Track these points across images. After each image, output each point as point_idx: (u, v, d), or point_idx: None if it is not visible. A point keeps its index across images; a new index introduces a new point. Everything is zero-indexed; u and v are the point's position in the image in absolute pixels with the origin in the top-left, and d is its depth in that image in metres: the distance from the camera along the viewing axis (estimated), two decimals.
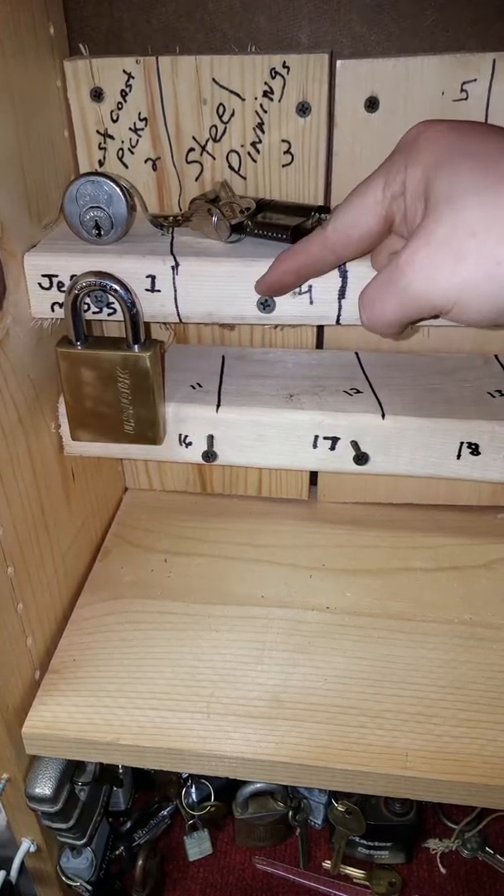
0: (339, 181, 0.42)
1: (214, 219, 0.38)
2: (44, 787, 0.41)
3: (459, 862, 0.55)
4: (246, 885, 0.55)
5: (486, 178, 0.25)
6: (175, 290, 0.38)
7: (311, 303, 0.37)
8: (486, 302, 0.25)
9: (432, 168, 0.27)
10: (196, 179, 0.43)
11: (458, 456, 0.40)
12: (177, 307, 0.38)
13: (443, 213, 0.25)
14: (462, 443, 0.40)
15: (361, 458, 0.41)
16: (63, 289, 0.38)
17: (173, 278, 0.37)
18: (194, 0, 0.41)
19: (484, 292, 0.25)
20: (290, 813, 0.53)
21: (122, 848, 0.53)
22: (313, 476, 0.55)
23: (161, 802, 0.57)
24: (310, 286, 0.37)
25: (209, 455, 0.42)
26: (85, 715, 0.40)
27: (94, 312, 0.39)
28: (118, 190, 0.38)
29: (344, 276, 0.36)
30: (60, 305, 0.38)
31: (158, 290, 0.38)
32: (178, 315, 0.38)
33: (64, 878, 0.48)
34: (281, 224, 0.37)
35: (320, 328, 0.48)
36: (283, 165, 0.42)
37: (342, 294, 0.37)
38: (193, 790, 0.54)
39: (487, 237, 0.24)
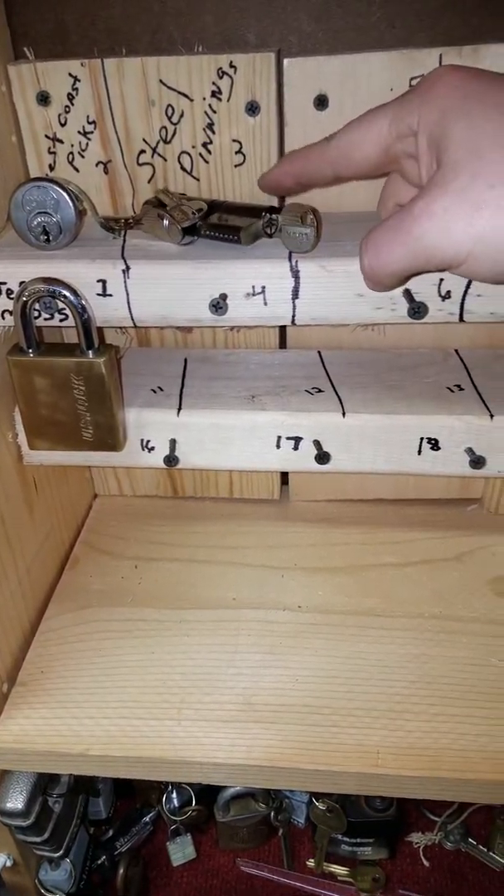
0: None
1: (165, 222, 0.38)
2: (15, 802, 0.40)
3: (442, 854, 0.56)
4: (230, 888, 0.54)
5: None
6: (127, 294, 0.37)
7: (266, 304, 0.37)
8: (499, 256, 0.25)
9: (451, 114, 0.26)
10: (149, 181, 0.43)
11: (419, 451, 0.40)
12: (130, 311, 0.38)
13: (462, 161, 0.25)
14: (422, 438, 0.40)
15: (323, 457, 0.41)
16: (12, 296, 0.37)
17: (125, 282, 0.37)
18: (139, 1, 0.41)
19: (499, 246, 0.24)
20: (272, 813, 0.53)
21: (103, 857, 0.53)
22: (284, 476, 0.55)
23: (142, 809, 0.56)
24: (263, 287, 0.37)
25: (171, 459, 0.42)
26: (53, 727, 0.40)
27: (45, 319, 0.38)
28: (65, 195, 0.37)
29: (296, 276, 0.36)
30: (11, 313, 0.38)
31: (110, 295, 0.37)
32: (132, 319, 0.38)
33: (43, 891, 0.47)
34: (232, 225, 0.37)
35: (283, 328, 0.48)
36: (236, 166, 0.42)
37: (295, 294, 0.37)
38: (174, 795, 0.54)
39: None
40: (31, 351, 0.37)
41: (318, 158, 0.32)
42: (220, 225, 0.38)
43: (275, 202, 0.42)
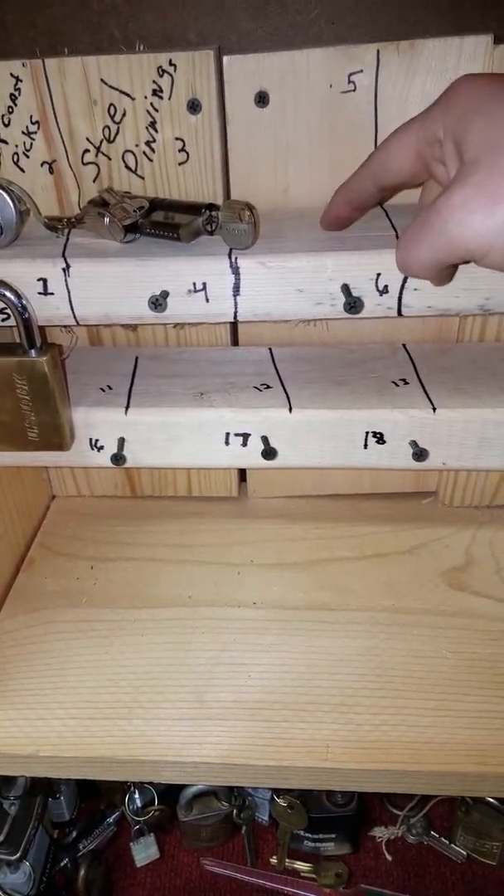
0: (237, 177, 0.42)
1: (106, 220, 0.38)
2: None
3: (405, 848, 0.56)
4: (193, 887, 0.54)
5: None
6: (69, 292, 0.37)
7: (207, 300, 0.37)
8: None
9: (471, 114, 0.27)
10: (94, 181, 0.43)
11: (365, 445, 0.41)
12: (72, 309, 0.38)
13: (481, 157, 0.26)
14: (367, 432, 0.40)
15: (269, 453, 0.41)
16: None
17: (66, 280, 0.37)
18: (80, 0, 0.41)
19: None
20: (235, 811, 0.53)
21: (66, 859, 0.52)
22: (242, 472, 0.55)
23: (106, 810, 0.56)
24: (204, 284, 0.37)
25: (118, 458, 0.42)
26: (5, 729, 0.39)
27: None
28: (6, 195, 0.37)
29: (236, 272, 0.36)
30: None
31: (52, 293, 0.37)
32: (75, 317, 0.38)
33: (2, 895, 0.47)
34: (172, 223, 0.37)
35: (234, 325, 0.48)
36: (180, 164, 0.42)
37: (236, 290, 0.37)
38: (137, 795, 0.53)
39: None
40: None
41: (360, 176, 0.34)
42: (161, 223, 0.38)
43: (218, 200, 0.42)
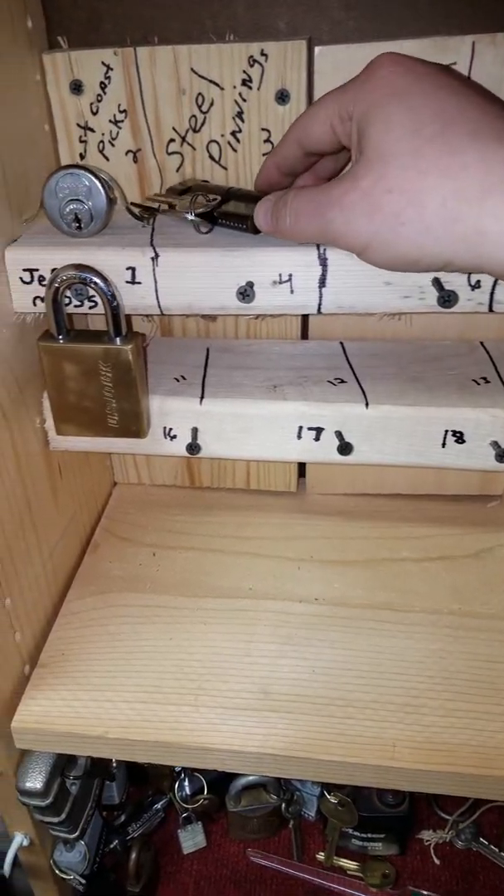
0: None
1: (187, 212, 0.38)
2: (34, 781, 0.41)
3: (453, 853, 0.55)
4: (240, 878, 0.55)
5: (414, 140, 0.27)
6: (155, 282, 0.37)
7: (292, 292, 0.37)
8: (388, 252, 0.29)
9: (375, 109, 0.29)
10: (177, 171, 0.43)
11: (443, 444, 0.40)
12: (157, 299, 0.38)
13: (373, 162, 0.28)
14: (447, 431, 0.40)
15: (346, 448, 0.41)
16: (44, 283, 0.37)
17: (153, 270, 0.37)
18: None
19: (388, 244, 0.29)
20: (283, 805, 0.53)
21: (115, 842, 0.53)
22: (301, 468, 0.55)
23: (154, 796, 0.57)
24: (290, 275, 0.37)
25: (193, 447, 0.42)
26: (73, 709, 0.40)
27: (75, 306, 0.38)
28: (97, 182, 0.37)
29: (324, 263, 0.36)
30: (42, 300, 0.38)
31: (139, 283, 0.37)
32: (159, 307, 0.38)
33: (57, 872, 0.48)
34: (242, 214, 0.37)
35: (305, 318, 0.48)
36: (264, 154, 0.42)
37: (322, 283, 0.37)
38: (187, 783, 0.54)
39: (399, 197, 0.27)
40: (60, 337, 0.37)
41: (286, 142, 0.35)
42: (232, 213, 0.38)
43: None
